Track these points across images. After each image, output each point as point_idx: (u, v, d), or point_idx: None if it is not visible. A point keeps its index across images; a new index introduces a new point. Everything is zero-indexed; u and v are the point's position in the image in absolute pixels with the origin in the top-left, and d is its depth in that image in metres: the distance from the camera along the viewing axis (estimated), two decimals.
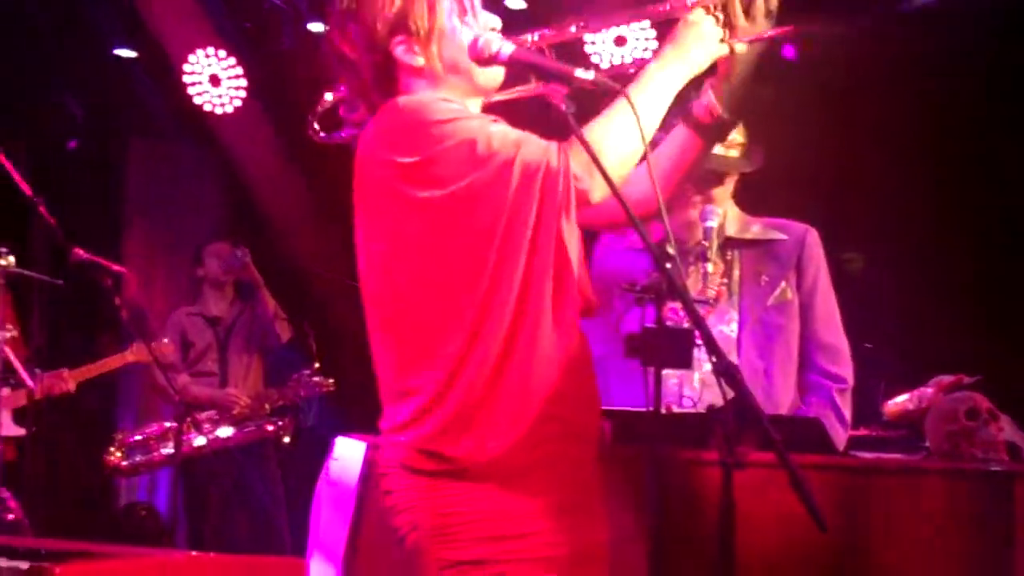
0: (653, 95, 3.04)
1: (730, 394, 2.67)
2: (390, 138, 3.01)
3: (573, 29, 3.28)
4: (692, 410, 4.29)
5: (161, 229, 10.31)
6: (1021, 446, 4.33)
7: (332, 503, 3.97)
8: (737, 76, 3.28)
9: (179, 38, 8.69)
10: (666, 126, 3.22)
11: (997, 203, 7.64)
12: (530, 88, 3.25)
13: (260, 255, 8.33)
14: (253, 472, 7.97)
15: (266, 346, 8.35)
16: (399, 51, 3.10)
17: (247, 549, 7.81)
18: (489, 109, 3.22)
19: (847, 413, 4.44)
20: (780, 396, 4.39)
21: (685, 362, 3.68)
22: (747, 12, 3.19)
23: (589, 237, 4.01)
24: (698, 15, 3.15)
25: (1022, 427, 4.42)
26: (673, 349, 3.59)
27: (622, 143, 2.94)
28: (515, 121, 3.07)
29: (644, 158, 2.95)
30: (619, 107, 2.95)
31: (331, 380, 8.02)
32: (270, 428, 7.94)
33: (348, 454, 3.97)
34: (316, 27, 7.79)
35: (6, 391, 6.22)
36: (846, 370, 4.49)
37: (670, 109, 3.11)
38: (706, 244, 4.40)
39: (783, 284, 4.45)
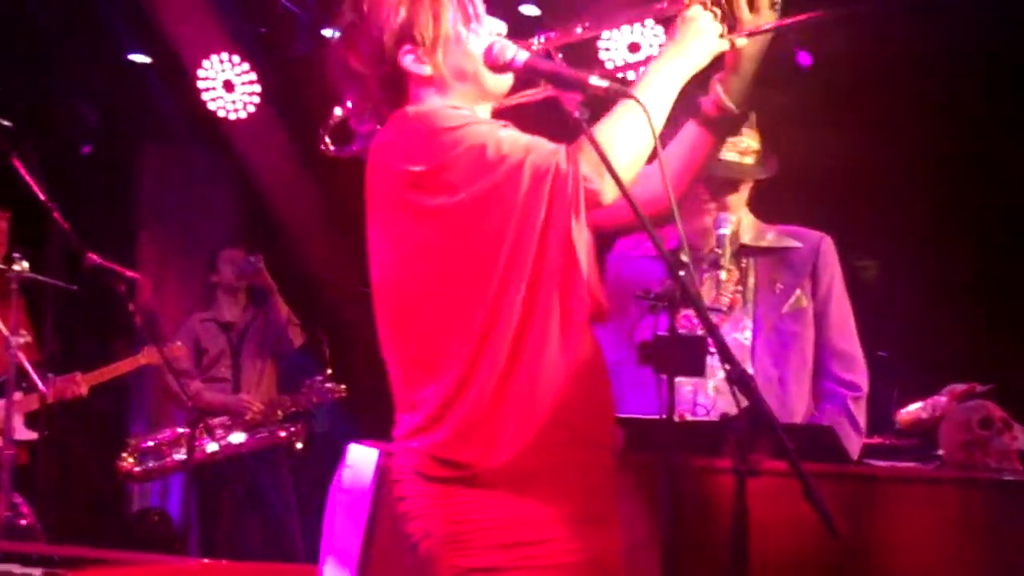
0: (656, 93, 3.03)
1: (743, 402, 2.66)
2: (400, 147, 3.01)
3: (579, 30, 3.28)
4: (706, 418, 4.28)
5: (175, 235, 10.32)
6: None
7: (345, 510, 3.97)
8: (744, 69, 3.29)
9: (193, 44, 8.70)
10: (675, 126, 3.23)
11: (1013, 209, 7.63)
12: (539, 92, 3.25)
13: (273, 261, 8.33)
14: (265, 478, 7.97)
15: (279, 352, 8.35)
16: (406, 61, 3.10)
17: (259, 555, 7.82)
18: (498, 114, 3.23)
19: (862, 421, 4.43)
20: (794, 404, 4.38)
21: (698, 370, 3.67)
22: (751, 5, 3.20)
23: (604, 245, 4.02)
24: (695, 11, 3.16)
25: None
26: (686, 357, 3.59)
27: (630, 143, 2.94)
28: (523, 123, 3.08)
29: (655, 157, 2.96)
30: (625, 107, 2.95)
31: (343, 386, 8.02)
32: (282, 434, 7.94)
33: (361, 461, 3.96)
34: (330, 33, 7.80)
35: (18, 395, 6.23)
36: (861, 378, 4.48)
37: (680, 109, 3.12)
38: (719, 252, 4.40)
39: (798, 292, 4.45)
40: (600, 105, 2.97)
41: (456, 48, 3.12)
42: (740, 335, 4.42)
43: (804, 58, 7.93)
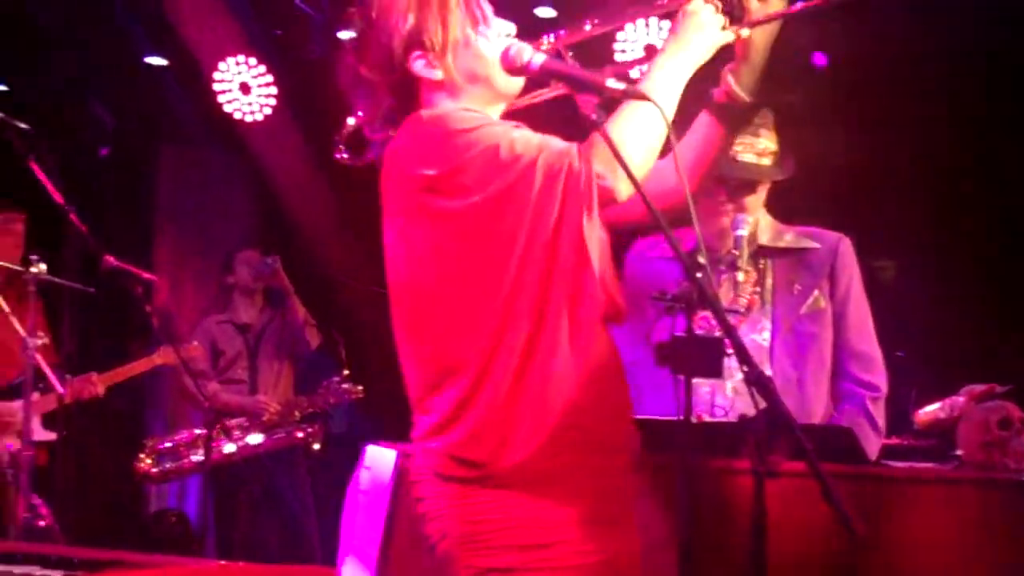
0: (662, 89, 3.04)
1: (762, 403, 2.66)
2: (414, 152, 3.02)
3: (588, 27, 3.29)
4: (724, 419, 4.28)
5: (191, 236, 10.33)
6: None
7: (363, 511, 3.97)
8: (755, 59, 3.29)
9: (210, 46, 8.71)
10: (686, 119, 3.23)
11: None
12: (550, 91, 3.26)
13: (289, 262, 8.34)
14: (283, 479, 7.98)
15: (296, 353, 8.35)
16: (417, 66, 3.11)
17: (276, 557, 7.83)
18: (510, 115, 3.23)
19: (881, 421, 4.42)
20: (813, 405, 4.38)
21: (715, 371, 3.67)
22: None
23: (621, 245, 4.02)
24: (696, 5, 3.17)
25: None
26: (703, 358, 3.59)
27: (643, 140, 2.94)
28: (533, 121, 3.08)
29: (669, 151, 2.96)
30: (635, 104, 2.95)
31: (360, 387, 8.02)
32: (300, 435, 7.95)
33: (379, 462, 3.97)
34: (347, 35, 7.79)
35: (35, 396, 6.24)
36: (880, 378, 4.47)
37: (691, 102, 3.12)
38: (736, 253, 4.39)
39: (816, 293, 4.44)
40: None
41: (466, 51, 3.13)
42: (758, 336, 4.41)
43: (819, 59, 7.92)
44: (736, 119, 3.36)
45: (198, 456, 7.70)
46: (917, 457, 5.31)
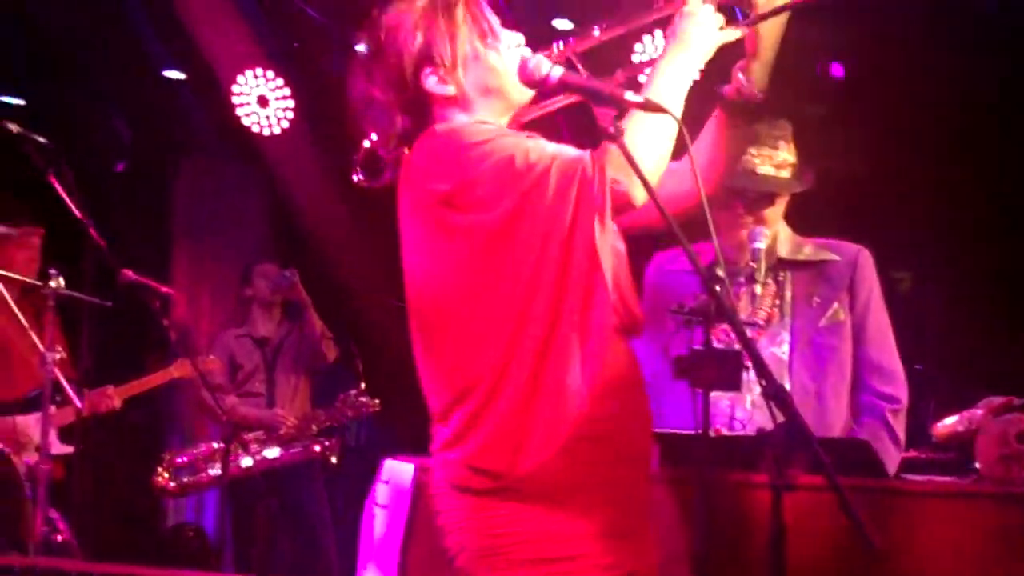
0: (667, 94, 3.04)
1: (780, 417, 2.66)
2: (429, 167, 3.03)
3: (596, 33, 3.29)
4: (741, 433, 4.27)
5: (209, 250, 10.34)
6: None
7: (381, 525, 3.98)
8: (764, 54, 3.30)
9: (228, 59, 8.73)
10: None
11: None
12: (562, 101, 3.26)
13: (306, 275, 8.34)
14: (300, 493, 7.98)
15: (313, 367, 8.35)
16: (430, 83, 3.12)
17: (294, 570, 7.84)
18: (524, 126, 3.24)
19: (901, 434, 4.40)
20: (832, 418, 4.37)
21: (733, 384, 3.67)
22: None
23: (641, 258, 4.02)
24: (694, 5, 3.17)
25: None
26: (721, 371, 3.59)
27: (654, 146, 2.95)
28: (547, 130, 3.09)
29: (685, 152, 2.96)
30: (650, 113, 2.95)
31: (377, 400, 8.01)
32: (317, 449, 7.94)
33: (397, 476, 3.97)
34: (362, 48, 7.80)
35: (52, 409, 6.24)
36: (900, 390, 4.45)
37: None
38: (754, 266, 4.39)
39: (835, 305, 4.43)
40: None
41: (476, 64, 3.14)
42: (778, 349, 4.41)
43: (837, 70, 7.91)
44: (748, 116, 3.35)
45: (216, 470, 7.70)
46: (935, 470, 5.29)
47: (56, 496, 6.42)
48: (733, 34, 3.22)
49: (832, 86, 7.85)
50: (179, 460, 7.84)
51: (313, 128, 9.03)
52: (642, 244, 3.58)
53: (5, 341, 6.88)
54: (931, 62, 7.38)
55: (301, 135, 9.04)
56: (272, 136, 8.95)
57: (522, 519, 2.92)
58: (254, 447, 7.72)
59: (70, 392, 6.28)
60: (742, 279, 4.44)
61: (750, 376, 3.79)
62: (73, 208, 5.81)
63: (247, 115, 8.84)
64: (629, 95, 2.89)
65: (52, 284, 6.09)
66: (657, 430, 3.25)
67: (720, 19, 3.18)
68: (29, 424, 6.68)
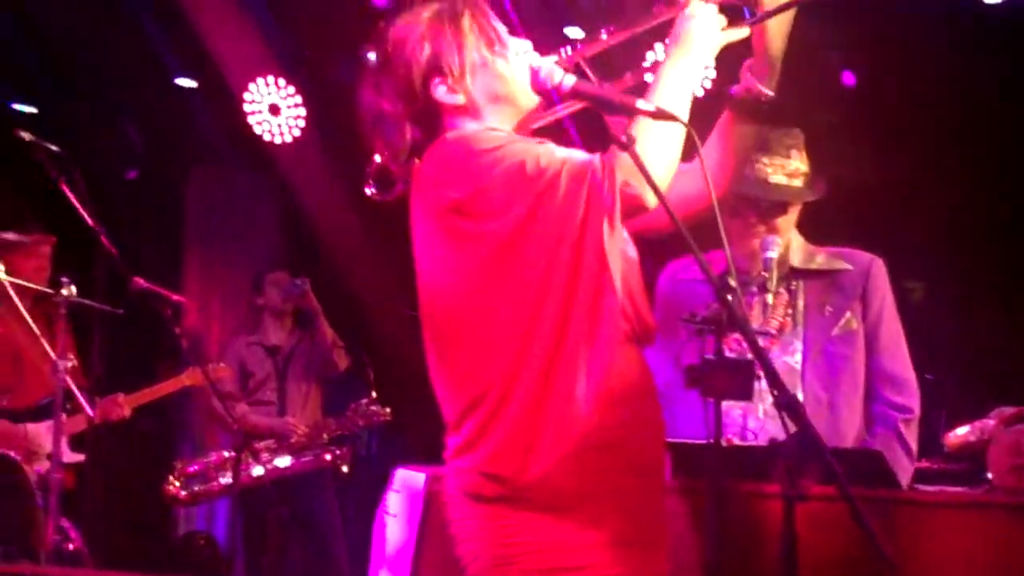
0: (672, 95, 3.04)
1: (792, 427, 2.65)
2: (441, 175, 3.03)
3: (604, 36, 3.29)
4: (753, 443, 4.26)
5: (220, 258, 10.35)
6: None
7: (393, 535, 3.98)
8: (772, 51, 3.29)
9: (239, 67, 8.74)
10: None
11: None
12: (572, 106, 3.26)
13: (318, 284, 8.34)
14: (311, 501, 7.97)
15: (324, 375, 8.35)
16: (439, 92, 3.12)
17: None
18: (534, 131, 3.24)
19: (913, 444, 4.39)
20: (844, 427, 4.36)
21: (745, 394, 3.66)
22: None
23: (655, 266, 4.01)
24: (694, 7, 3.16)
25: None
26: (733, 381, 3.58)
27: (665, 153, 2.95)
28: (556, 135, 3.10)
29: (695, 153, 2.96)
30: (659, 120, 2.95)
31: (388, 409, 8.01)
32: (328, 457, 7.93)
33: (408, 486, 3.97)
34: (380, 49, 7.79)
35: (63, 418, 6.24)
36: (912, 400, 4.44)
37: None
38: (766, 275, 4.38)
39: (848, 314, 4.42)
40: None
41: (485, 72, 3.14)
42: (790, 358, 4.40)
43: (848, 78, 7.91)
44: (759, 115, 3.34)
45: (227, 479, 7.70)
46: (947, 481, 5.29)
47: (67, 505, 6.43)
48: (737, 34, 3.22)
49: (843, 94, 7.85)
50: (190, 469, 7.84)
51: (324, 136, 9.04)
52: (655, 253, 3.58)
53: (17, 349, 6.89)
54: (943, 70, 7.37)
55: (313, 143, 9.05)
56: (284, 144, 8.96)
57: (534, 528, 2.92)
58: (265, 456, 7.72)
59: (81, 400, 6.28)
60: (754, 288, 4.44)
61: (762, 386, 3.79)
62: (85, 216, 5.82)
63: (259, 123, 8.85)
64: (640, 103, 2.89)
65: (64, 292, 6.10)
66: (669, 440, 3.24)
67: (722, 20, 3.18)
68: (40, 432, 6.69)
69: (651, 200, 2.90)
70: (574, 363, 2.91)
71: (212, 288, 10.29)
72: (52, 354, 6.07)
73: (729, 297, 2.78)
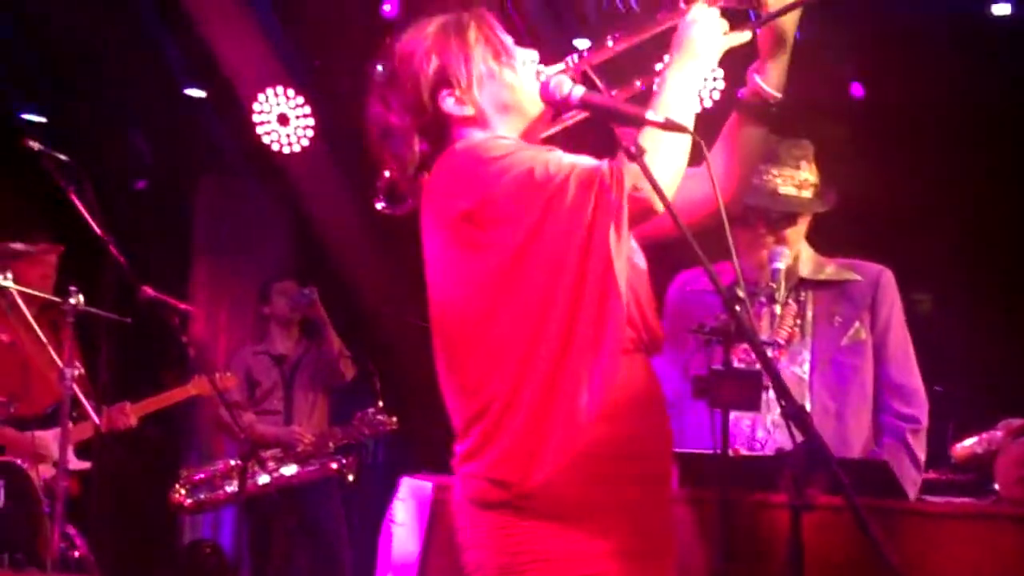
0: (677, 102, 3.05)
1: (799, 437, 2.65)
2: (451, 185, 3.03)
3: (610, 43, 3.29)
4: (760, 453, 4.26)
5: (228, 267, 10.36)
6: None
7: (399, 544, 3.98)
8: (779, 52, 3.29)
9: (249, 77, 8.75)
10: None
11: None
12: (579, 116, 3.26)
13: (325, 293, 8.35)
14: (317, 510, 7.97)
15: (331, 385, 8.35)
16: (448, 104, 3.13)
17: None
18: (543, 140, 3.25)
19: (921, 454, 4.39)
20: (852, 437, 4.36)
21: (752, 404, 3.67)
22: None
23: (665, 276, 4.01)
24: (696, 12, 3.17)
25: None
26: (740, 391, 3.58)
27: (673, 162, 2.95)
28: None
29: (703, 159, 2.96)
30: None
31: (394, 418, 8.00)
32: (334, 466, 7.93)
33: (415, 495, 3.97)
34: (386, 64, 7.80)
35: (69, 425, 6.24)
36: (920, 410, 4.43)
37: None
38: (773, 286, 4.39)
39: (857, 324, 4.42)
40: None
41: (492, 82, 3.15)
42: (798, 368, 4.40)
43: (857, 89, 7.92)
44: (767, 117, 3.34)
45: (233, 487, 7.69)
46: (954, 492, 5.29)
47: (73, 512, 6.44)
48: (739, 38, 3.22)
49: (852, 106, 7.85)
50: (196, 477, 7.84)
51: (333, 146, 9.05)
52: (665, 263, 3.58)
53: (25, 357, 6.89)
54: (952, 81, 7.38)
55: (321, 153, 9.06)
56: (292, 154, 8.97)
57: (540, 538, 2.91)
58: (271, 464, 7.72)
59: (88, 408, 6.29)
60: (763, 299, 4.44)
61: (770, 396, 3.79)
62: (94, 225, 5.83)
63: (267, 133, 8.86)
64: (649, 114, 2.89)
65: (72, 301, 6.10)
66: (677, 450, 3.24)
67: (724, 24, 3.18)
68: (47, 438, 6.69)
69: (659, 205, 2.90)
70: (579, 369, 2.91)
71: (220, 297, 10.30)
72: (59, 362, 6.08)
73: (737, 308, 2.78)
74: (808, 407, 4.28)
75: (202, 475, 7.86)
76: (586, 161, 2.96)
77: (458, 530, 3.07)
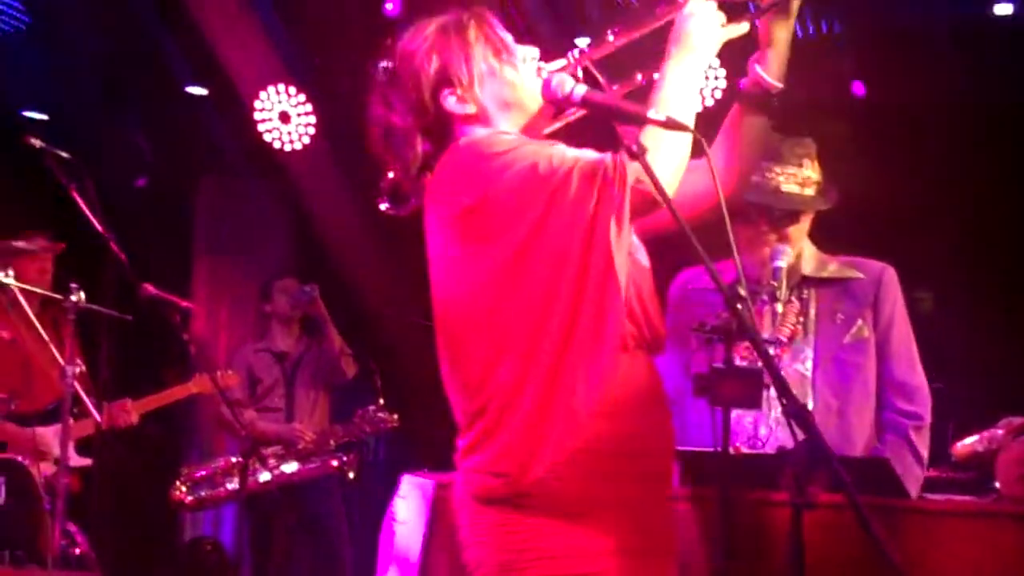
0: (678, 97, 3.05)
1: (801, 435, 2.65)
2: (454, 181, 3.04)
3: (610, 38, 3.29)
4: (761, 451, 4.26)
5: (229, 265, 10.36)
6: None
7: (400, 541, 3.98)
8: (779, 42, 3.30)
9: (250, 75, 8.75)
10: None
11: None
12: (580, 113, 3.27)
13: (326, 291, 8.35)
14: (318, 508, 7.97)
15: (332, 383, 8.36)
16: (450, 103, 3.14)
17: None
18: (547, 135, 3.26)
19: (924, 451, 4.38)
20: (855, 435, 4.35)
21: (754, 402, 3.67)
22: None
23: (668, 275, 4.01)
24: (693, 5, 3.17)
25: None
26: (741, 389, 3.58)
27: (674, 159, 2.96)
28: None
29: (704, 153, 2.97)
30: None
31: (395, 416, 8.00)
32: (335, 464, 7.93)
33: (416, 492, 3.97)
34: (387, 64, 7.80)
35: (70, 422, 6.24)
36: (923, 407, 4.43)
37: None
38: (774, 284, 4.39)
39: (859, 322, 4.42)
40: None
41: (493, 80, 3.16)
42: (801, 366, 4.39)
43: (858, 88, 7.92)
44: (769, 108, 3.34)
45: (234, 484, 7.69)
46: (955, 490, 5.29)
47: (74, 509, 6.44)
48: (737, 30, 3.22)
49: (853, 104, 7.85)
50: (197, 474, 7.84)
51: (334, 144, 9.05)
52: (668, 261, 3.58)
53: (26, 354, 6.90)
54: (953, 80, 7.38)
55: (322, 151, 9.05)
56: (293, 152, 8.97)
57: (541, 535, 2.92)
58: (272, 462, 7.72)
59: (89, 405, 6.29)
60: (765, 297, 4.44)
61: (772, 393, 3.79)
62: (95, 223, 5.83)
63: (269, 131, 8.86)
64: (651, 113, 2.90)
65: (73, 298, 6.10)
66: (678, 448, 3.24)
67: (722, 16, 3.19)
68: (48, 434, 6.70)
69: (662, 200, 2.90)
70: (579, 364, 2.91)
71: (221, 295, 10.30)
72: (60, 359, 6.08)
73: (739, 306, 2.79)
74: (811, 405, 4.29)
75: (203, 472, 7.86)
76: (589, 154, 2.97)
77: (459, 527, 3.07)
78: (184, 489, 7.77)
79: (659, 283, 3.21)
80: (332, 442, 7.99)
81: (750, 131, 3.34)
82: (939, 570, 3.61)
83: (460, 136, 3.15)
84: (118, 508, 7.84)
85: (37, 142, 5.77)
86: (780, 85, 3.30)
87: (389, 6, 7.91)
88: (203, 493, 7.81)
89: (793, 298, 4.46)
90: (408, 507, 4.01)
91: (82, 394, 6.18)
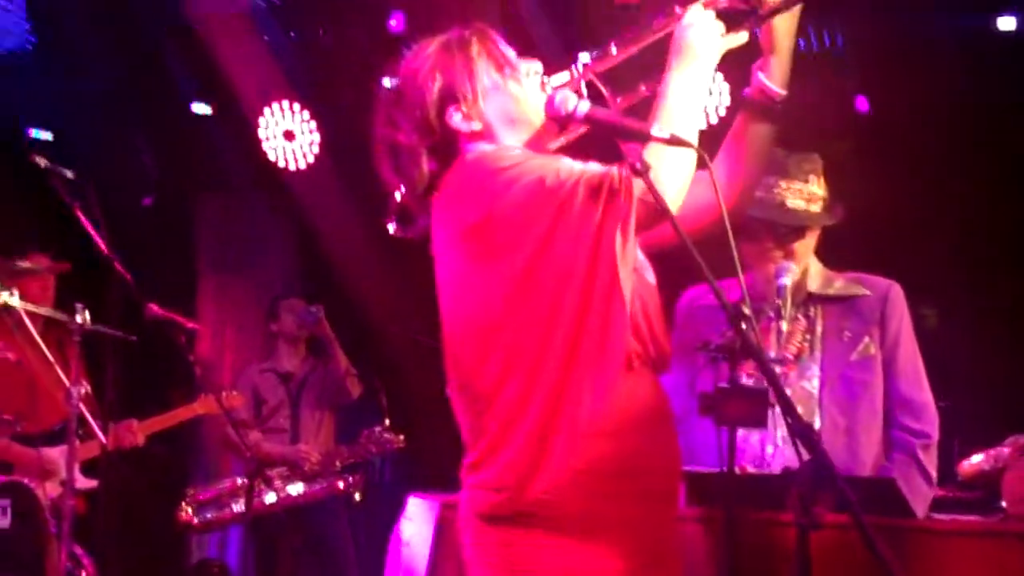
0: (678, 107, 3.05)
1: (807, 455, 2.64)
2: (462, 198, 3.04)
3: (613, 51, 3.29)
4: (767, 471, 4.25)
5: (234, 284, 10.35)
6: None
7: (406, 562, 3.97)
8: (782, 49, 3.30)
9: (254, 93, 8.75)
10: None
11: None
12: (583, 128, 3.26)
13: (332, 311, 8.34)
14: (324, 529, 7.96)
15: (337, 403, 8.34)
16: (455, 120, 3.14)
17: None
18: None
19: (932, 469, 4.36)
20: (863, 453, 4.34)
21: (759, 422, 3.65)
22: None
23: (674, 292, 4.00)
24: (692, 16, 3.17)
25: None
26: (746, 409, 3.57)
27: (679, 175, 2.96)
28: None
29: (707, 165, 2.96)
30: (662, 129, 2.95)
31: (401, 436, 7.99)
32: (340, 485, 7.92)
33: (422, 513, 3.96)
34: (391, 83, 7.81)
35: (76, 444, 6.24)
36: (930, 425, 4.41)
37: None
38: (779, 302, 4.38)
39: (866, 339, 4.40)
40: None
41: (497, 95, 3.17)
42: (808, 384, 4.38)
43: (862, 103, 7.92)
44: (772, 115, 3.34)
45: (239, 506, 7.68)
46: (961, 509, 5.26)
47: (80, 531, 6.42)
48: (737, 39, 3.22)
49: (857, 120, 7.85)
50: (203, 496, 7.82)
51: (339, 162, 9.04)
52: (674, 279, 3.57)
53: (31, 375, 6.89)
54: (957, 95, 7.38)
55: (327, 169, 9.05)
56: (298, 170, 8.97)
57: (544, 554, 2.92)
58: (278, 483, 7.71)
59: (94, 426, 6.28)
60: (771, 314, 4.43)
61: (778, 412, 3.78)
62: (100, 242, 5.82)
63: (273, 149, 8.86)
64: (654, 129, 2.89)
65: (78, 318, 6.10)
66: (684, 468, 3.23)
67: (721, 26, 3.18)
68: (54, 454, 6.69)
69: (671, 207, 2.90)
70: (584, 381, 2.91)
71: (226, 315, 10.29)
72: (65, 380, 6.07)
73: (743, 325, 2.78)
74: (818, 423, 4.28)
75: (209, 494, 7.84)
76: (595, 167, 2.96)
77: (464, 547, 3.07)
78: (190, 511, 7.76)
79: (665, 300, 3.20)
80: (338, 463, 7.98)
81: (755, 141, 3.34)
82: None
83: (466, 153, 3.14)
84: (124, 530, 7.83)
85: (42, 161, 5.77)
86: (784, 92, 3.30)
87: (393, 23, 7.91)
88: (209, 515, 7.79)
89: (799, 315, 4.45)
90: (414, 528, 4.00)
91: (87, 415, 6.17)
